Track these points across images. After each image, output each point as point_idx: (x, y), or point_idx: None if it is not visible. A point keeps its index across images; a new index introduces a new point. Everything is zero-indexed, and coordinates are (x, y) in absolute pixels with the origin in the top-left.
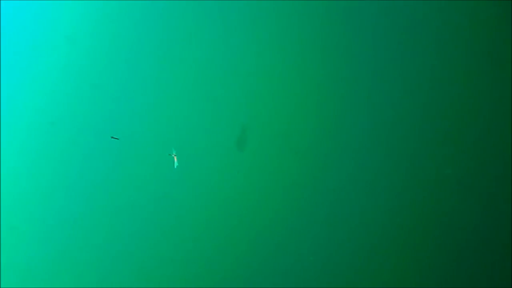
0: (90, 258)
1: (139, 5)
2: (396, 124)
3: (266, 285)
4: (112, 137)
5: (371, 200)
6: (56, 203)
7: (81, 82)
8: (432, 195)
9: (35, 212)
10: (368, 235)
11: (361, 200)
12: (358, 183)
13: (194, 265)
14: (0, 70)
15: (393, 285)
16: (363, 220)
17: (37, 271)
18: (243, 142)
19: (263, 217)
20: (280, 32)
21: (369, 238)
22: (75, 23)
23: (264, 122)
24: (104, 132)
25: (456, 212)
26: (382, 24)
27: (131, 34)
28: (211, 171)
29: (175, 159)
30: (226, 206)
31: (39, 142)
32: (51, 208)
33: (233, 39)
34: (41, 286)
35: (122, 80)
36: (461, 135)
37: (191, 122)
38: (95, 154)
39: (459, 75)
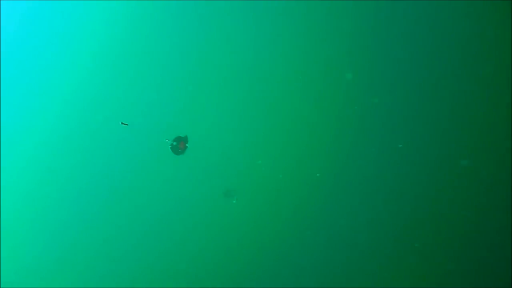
0: (89, 260)
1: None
2: (395, 128)
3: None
4: (122, 123)
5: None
6: (55, 205)
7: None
8: (431, 198)
9: (35, 213)
10: (367, 241)
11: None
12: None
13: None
14: (1, 70)
15: (393, 285)
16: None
17: (37, 271)
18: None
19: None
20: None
21: (368, 243)
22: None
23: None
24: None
25: (456, 213)
26: (382, 26)
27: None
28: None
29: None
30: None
31: (43, 148)
32: (51, 209)
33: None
34: (41, 286)
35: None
36: (460, 136)
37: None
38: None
39: (461, 76)
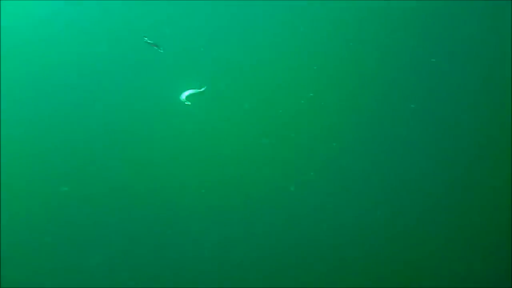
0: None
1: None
2: (395, 127)
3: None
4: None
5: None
6: (56, 204)
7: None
8: (431, 196)
9: (34, 212)
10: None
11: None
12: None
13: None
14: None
15: (393, 285)
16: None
17: (37, 271)
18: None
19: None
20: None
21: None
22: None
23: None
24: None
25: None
26: (381, 25)
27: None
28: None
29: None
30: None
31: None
32: (52, 209)
33: None
34: (41, 286)
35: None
36: (460, 136)
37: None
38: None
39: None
